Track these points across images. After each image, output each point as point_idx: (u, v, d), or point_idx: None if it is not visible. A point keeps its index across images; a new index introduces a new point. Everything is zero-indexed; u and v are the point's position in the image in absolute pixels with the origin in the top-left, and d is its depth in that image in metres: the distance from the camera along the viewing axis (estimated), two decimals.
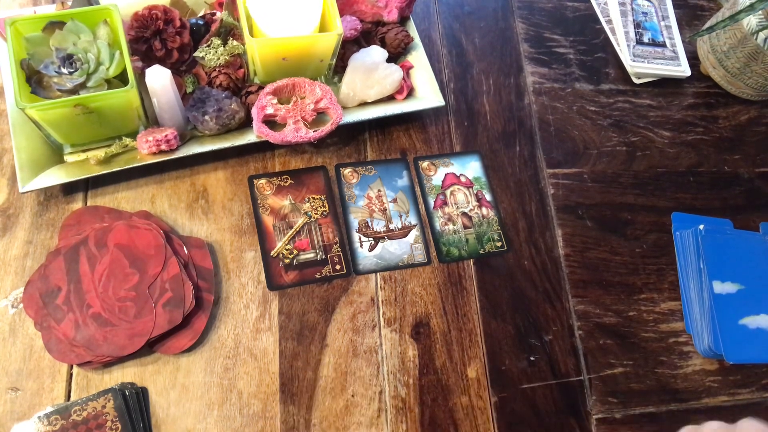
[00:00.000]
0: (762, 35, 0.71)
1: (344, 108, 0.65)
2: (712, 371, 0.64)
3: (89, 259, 0.54)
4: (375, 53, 0.66)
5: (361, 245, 0.63)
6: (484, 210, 0.67)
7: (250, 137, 0.61)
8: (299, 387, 0.56)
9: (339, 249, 0.62)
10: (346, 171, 0.66)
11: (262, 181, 0.64)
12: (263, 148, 0.65)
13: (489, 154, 0.70)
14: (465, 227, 0.66)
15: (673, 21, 0.84)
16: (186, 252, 0.57)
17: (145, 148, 0.58)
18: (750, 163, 0.77)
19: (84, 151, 0.60)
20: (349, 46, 0.67)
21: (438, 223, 0.65)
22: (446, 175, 0.68)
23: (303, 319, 0.58)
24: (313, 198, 0.64)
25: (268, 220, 0.62)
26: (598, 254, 0.67)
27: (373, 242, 0.63)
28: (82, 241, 0.55)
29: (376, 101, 0.67)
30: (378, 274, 0.62)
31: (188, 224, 0.60)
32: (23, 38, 0.53)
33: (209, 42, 0.63)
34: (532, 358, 0.61)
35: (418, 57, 0.70)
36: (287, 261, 0.60)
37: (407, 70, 0.69)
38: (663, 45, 0.81)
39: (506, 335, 0.61)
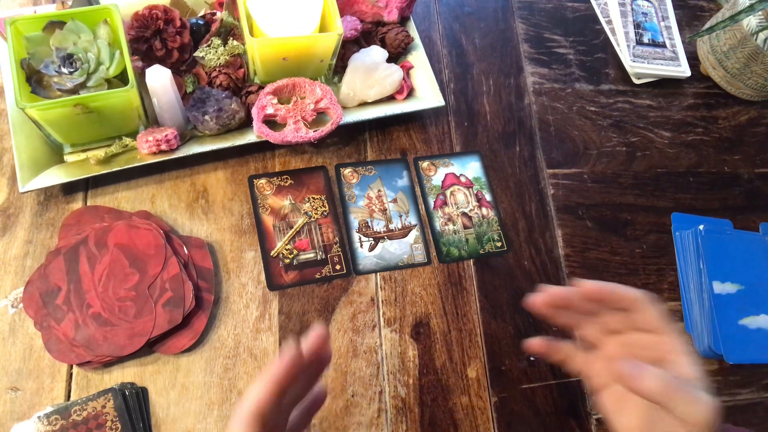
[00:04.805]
0: (762, 36, 0.71)
1: (344, 108, 0.65)
2: (712, 371, 0.64)
3: (89, 258, 0.54)
4: (375, 53, 0.66)
5: (361, 245, 0.63)
6: (484, 210, 0.67)
7: (250, 137, 0.61)
8: None
9: (339, 249, 0.62)
10: (346, 171, 0.66)
11: (262, 181, 0.64)
12: (263, 148, 0.65)
13: (489, 155, 0.70)
14: (465, 227, 0.66)
15: (673, 21, 0.84)
16: (186, 252, 0.57)
17: (145, 148, 0.58)
18: (750, 164, 0.77)
19: (84, 150, 0.60)
20: (349, 46, 0.67)
21: (438, 223, 0.65)
22: (446, 175, 0.68)
23: (303, 319, 0.58)
24: (313, 198, 0.64)
25: (268, 220, 0.62)
26: (598, 254, 0.67)
27: (373, 242, 0.63)
28: (82, 240, 0.55)
29: (376, 101, 0.67)
30: (378, 274, 0.62)
31: (188, 224, 0.60)
32: (23, 38, 0.53)
33: (209, 42, 0.63)
34: (532, 359, 0.61)
35: (418, 57, 0.70)
36: (287, 261, 0.60)
37: (407, 70, 0.69)
38: (663, 45, 0.81)
39: (506, 335, 0.61)
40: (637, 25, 0.81)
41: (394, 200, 0.66)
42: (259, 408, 0.35)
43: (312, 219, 0.63)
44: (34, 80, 0.53)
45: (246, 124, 0.63)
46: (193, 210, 0.61)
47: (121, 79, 0.56)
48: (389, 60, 0.67)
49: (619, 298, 0.39)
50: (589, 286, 0.39)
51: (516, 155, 0.71)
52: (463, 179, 0.68)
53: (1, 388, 0.52)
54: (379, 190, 0.66)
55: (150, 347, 0.54)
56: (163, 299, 0.54)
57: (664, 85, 0.80)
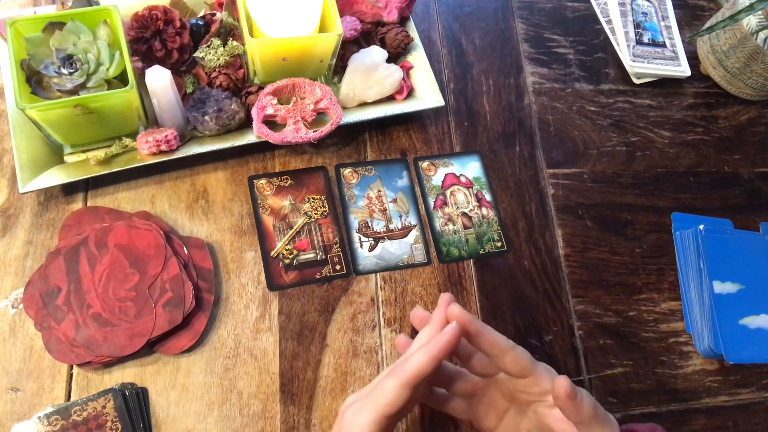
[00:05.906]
0: (762, 35, 0.71)
1: (344, 108, 0.65)
2: (712, 371, 0.64)
3: (89, 259, 0.54)
4: (375, 53, 0.66)
5: (361, 245, 0.63)
6: (484, 210, 0.67)
7: (250, 137, 0.61)
8: (299, 387, 0.56)
9: (339, 249, 0.62)
10: (346, 171, 0.66)
11: (262, 181, 0.64)
12: (263, 148, 0.65)
13: (489, 155, 0.70)
14: (465, 227, 0.66)
15: (673, 21, 0.84)
16: (186, 252, 0.57)
17: (145, 149, 0.58)
18: (750, 163, 0.77)
19: (84, 151, 0.60)
20: (349, 47, 0.67)
21: (438, 224, 0.65)
22: (446, 175, 0.68)
23: (303, 320, 0.58)
24: (313, 198, 0.64)
25: (268, 221, 0.62)
26: (598, 254, 0.67)
27: (373, 242, 0.63)
28: (82, 241, 0.55)
29: (376, 101, 0.67)
30: (378, 274, 0.62)
31: (188, 224, 0.60)
32: (23, 39, 0.53)
33: (209, 42, 0.63)
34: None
35: (418, 57, 0.70)
36: (287, 261, 0.60)
37: (407, 70, 0.69)
38: (663, 45, 0.81)
39: (506, 335, 0.61)
40: (637, 25, 0.81)
41: (394, 200, 0.66)
42: (419, 376, 0.40)
43: (312, 219, 0.63)
44: (34, 81, 0.53)
45: (246, 124, 0.63)
46: (193, 210, 0.61)
47: (121, 79, 0.56)
48: (389, 60, 0.67)
49: (486, 341, 0.43)
50: (465, 318, 0.43)
51: (516, 155, 0.71)
52: (463, 179, 0.68)
53: (1, 388, 0.52)
54: (379, 190, 0.66)
55: (150, 347, 0.54)
56: (163, 300, 0.54)
57: (664, 84, 0.80)
